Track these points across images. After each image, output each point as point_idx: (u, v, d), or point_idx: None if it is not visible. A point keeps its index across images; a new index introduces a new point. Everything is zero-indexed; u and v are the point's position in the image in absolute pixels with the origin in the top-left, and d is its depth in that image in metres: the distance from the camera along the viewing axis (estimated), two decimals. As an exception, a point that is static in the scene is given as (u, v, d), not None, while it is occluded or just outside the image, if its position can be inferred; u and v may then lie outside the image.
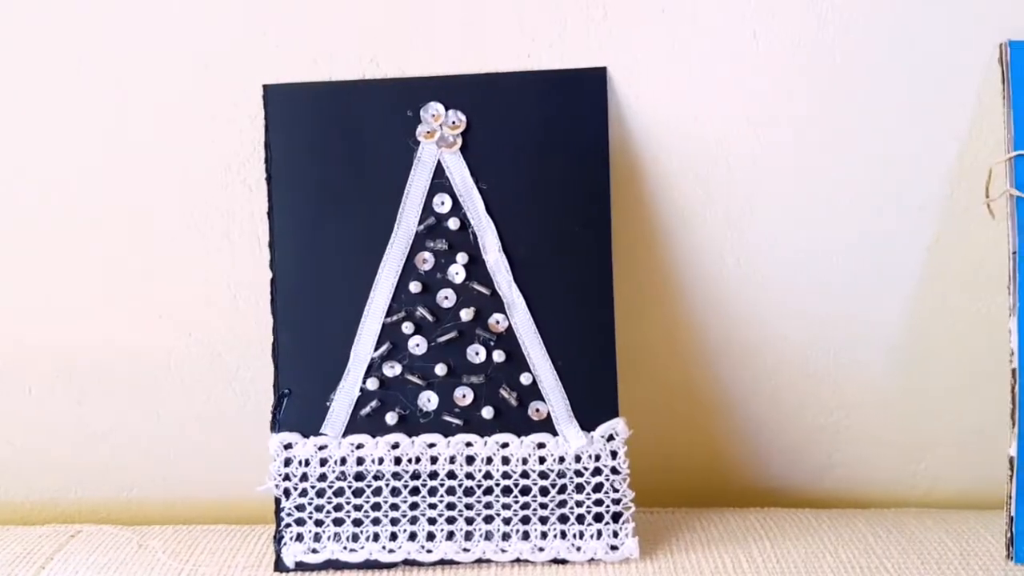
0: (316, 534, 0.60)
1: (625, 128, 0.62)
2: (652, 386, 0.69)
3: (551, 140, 0.60)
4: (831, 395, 0.70)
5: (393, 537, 0.60)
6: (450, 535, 0.59)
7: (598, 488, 0.59)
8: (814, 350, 0.68)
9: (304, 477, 0.60)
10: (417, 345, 0.60)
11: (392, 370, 0.60)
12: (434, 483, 0.60)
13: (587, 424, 0.59)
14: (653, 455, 0.73)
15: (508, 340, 0.60)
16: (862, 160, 0.63)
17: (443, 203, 0.60)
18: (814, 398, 0.70)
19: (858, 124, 0.62)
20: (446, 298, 0.60)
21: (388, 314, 0.60)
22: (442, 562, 0.59)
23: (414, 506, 0.60)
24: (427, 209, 0.60)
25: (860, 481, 0.72)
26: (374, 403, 0.60)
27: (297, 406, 0.61)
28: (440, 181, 0.60)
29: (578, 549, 0.59)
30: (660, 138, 0.63)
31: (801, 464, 0.72)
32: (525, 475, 0.59)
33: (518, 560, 0.59)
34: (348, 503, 0.60)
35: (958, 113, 0.61)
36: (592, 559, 0.59)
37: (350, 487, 0.60)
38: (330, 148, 0.61)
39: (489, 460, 0.60)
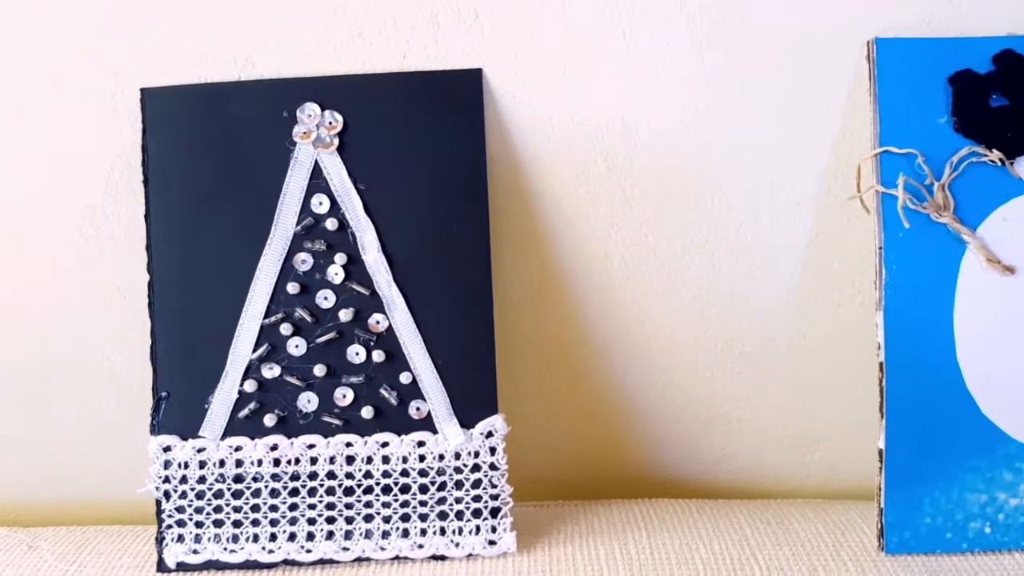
0: (197, 535, 0.60)
1: (504, 128, 0.63)
2: (545, 382, 0.70)
3: (429, 140, 0.60)
4: (721, 389, 0.71)
5: (273, 538, 0.60)
6: (330, 535, 0.60)
7: (477, 484, 0.60)
8: (701, 345, 0.69)
9: (184, 479, 0.60)
10: (296, 346, 0.60)
11: (271, 371, 0.60)
12: (314, 484, 0.60)
13: (467, 421, 0.60)
14: (548, 450, 0.75)
15: (388, 340, 0.60)
16: (737, 155, 0.64)
17: (321, 204, 0.60)
18: (704, 392, 0.71)
19: (732, 122, 0.63)
20: (325, 299, 0.60)
21: (267, 315, 0.60)
22: (321, 561, 0.60)
23: (293, 507, 0.60)
24: (305, 210, 0.60)
25: (755, 472, 0.74)
26: (253, 405, 0.60)
27: (176, 408, 0.60)
28: (318, 182, 0.60)
29: (457, 545, 0.60)
30: (539, 138, 0.63)
31: (696, 456, 0.73)
32: (405, 473, 0.60)
33: (397, 558, 0.60)
34: (228, 504, 0.60)
35: (832, 110, 0.62)
36: (471, 555, 0.60)
37: (229, 489, 0.60)
38: (208, 150, 0.60)
39: (369, 460, 0.60)
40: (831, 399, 0.71)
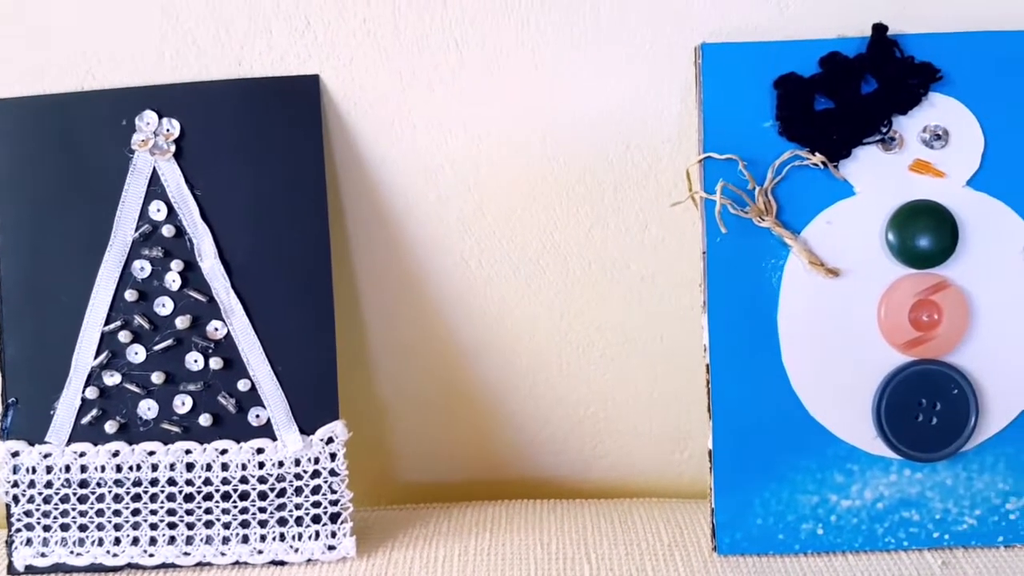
0: (44, 539, 0.61)
1: (348, 134, 0.63)
2: (412, 386, 0.71)
3: (266, 146, 0.61)
4: (587, 390, 0.71)
5: (117, 542, 0.60)
6: (171, 540, 0.60)
7: (317, 491, 0.60)
8: (564, 347, 0.70)
9: (32, 484, 0.60)
10: (136, 353, 0.60)
11: (112, 379, 0.60)
12: (155, 490, 0.60)
13: (307, 428, 0.60)
14: (422, 455, 0.75)
15: (227, 347, 0.60)
16: (578, 160, 0.64)
17: (159, 211, 0.60)
18: (571, 393, 0.71)
19: (570, 126, 0.63)
20: (163, 306, 0.60)
21: (107, 323, 0.60)
22: (164, 566, 0.60)
23: (136, 512, 0.60)
24: (143, 217, 0.60)
25: (627, 471, 0.74)
26: (95, 411, 0.60)
27: (25, 414, 0.61)
28: (155, 189, 0.60)
29: (296, 550, 0.60)
30: (385, 144, 0.63)
31: (569, 456, 0.74)
32: (244, 480, 0.60)
33: (238, 563, 0.60)
34: (74, 509, 0.60)
35: (669, 116, 0.62)
36: (310, 559, 0.60)
37: (75, 494, 0.60)
38: (50, 160, 0.61)
39: (208, 467, 0.60)
40: (693, 399, 0.71)
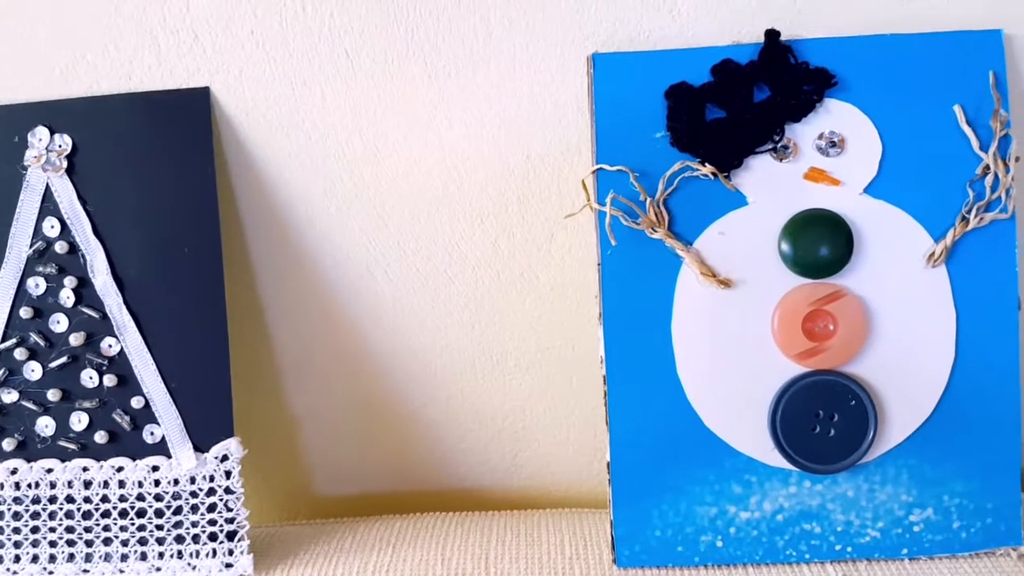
0: (-53, 559, 0.61)
1: (242, 147, 0.62)
2: (323, 399, 0.70)
3: (158, 160, 0.60)
4: (503, 400, 0.71)
5: (17, 559, 0.60)
6: (70, 557, 0.60)
7: (212, 508, 0.60)
8: (478, 357, 0.69)
9: (-66, 503, 0.61)
10: (32, 371, 0.60)
11: (9, 396, 0.60)
12: (53, 507, 0.60)
13: (202, 445, 0.60)
14: (343, 468, 0.75)
15: (120, 364, 0.60)
16: (479, 171, 0.63)
17: (53, 227, 0.60)
18: (488, 403, 0.71)
19: (468, 136, 0.62)
20: (58, 323, 0.60)
21: (3, 340, 0.60)
22: (62, 584, 0.61)
23: (35, 529, 0.60)
24: (37, 233, 0.60)
25: (547, 480, 0.74)
26: (-8, 429, 0.61)
27: (-73, 433, 0.61)
28: (49, 205, 0.60)
29: (194, 568, 0.60)
30: (282, 157, 0.62)
31: (489, 466, 0.74)
32: (141, 498, 0.60)
33: (135, 580, 0.60)
34: (-27, 528, 0.61)
35: (567, 126, 0.62)
36: (208, 577, 0.60)
37: (-26, 513, 0.61)
38: (-55, 177, 0.61)
39: (106, 484, 0.60)
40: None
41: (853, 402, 0.56)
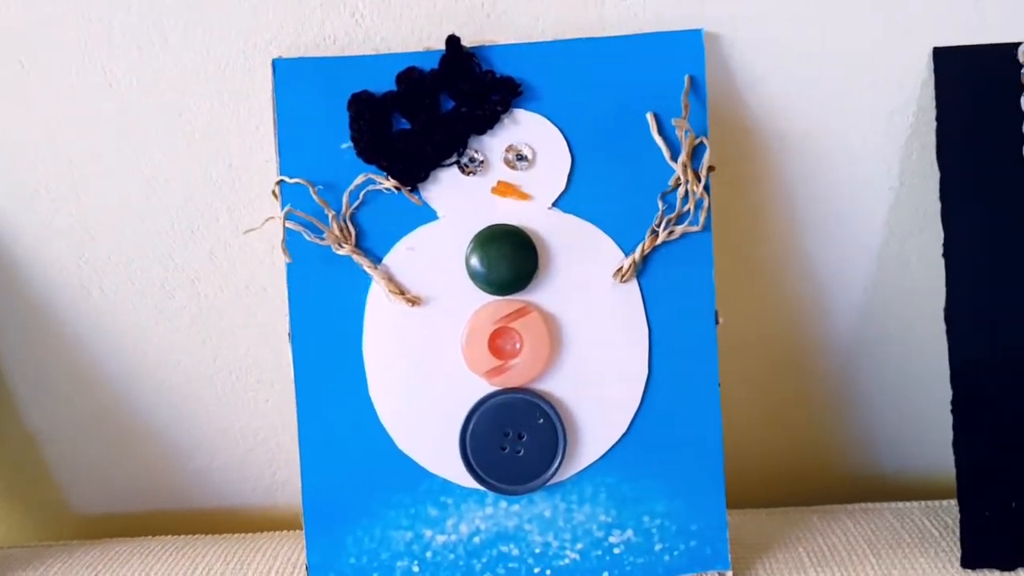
0: None
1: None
2: (61, 416, 0.67)
3: None
4: (251, 417, 0.68)
5: None
6: None
7: None
8: (216, 374, 0.66)
9: None
10: None
11: None
12: None
13: None
14: (88, 487, 0.71)
15: None
16: (180, 181, 0.60)
17: None
18: (235, 421, 0.68)
19: (163, 145, 0.59)
20: None
21: None
22: None
23: None
24: None
25: (311, 497, 0.72)
26: None
27: None
28: None
29: None
30: None
31: (249, 485, 0.71)
32: None
33: None
34: None
35: (264, 134, 0.59)
36: None
37: None
38: None
39: None
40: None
41: (541, 420, 0.55)
